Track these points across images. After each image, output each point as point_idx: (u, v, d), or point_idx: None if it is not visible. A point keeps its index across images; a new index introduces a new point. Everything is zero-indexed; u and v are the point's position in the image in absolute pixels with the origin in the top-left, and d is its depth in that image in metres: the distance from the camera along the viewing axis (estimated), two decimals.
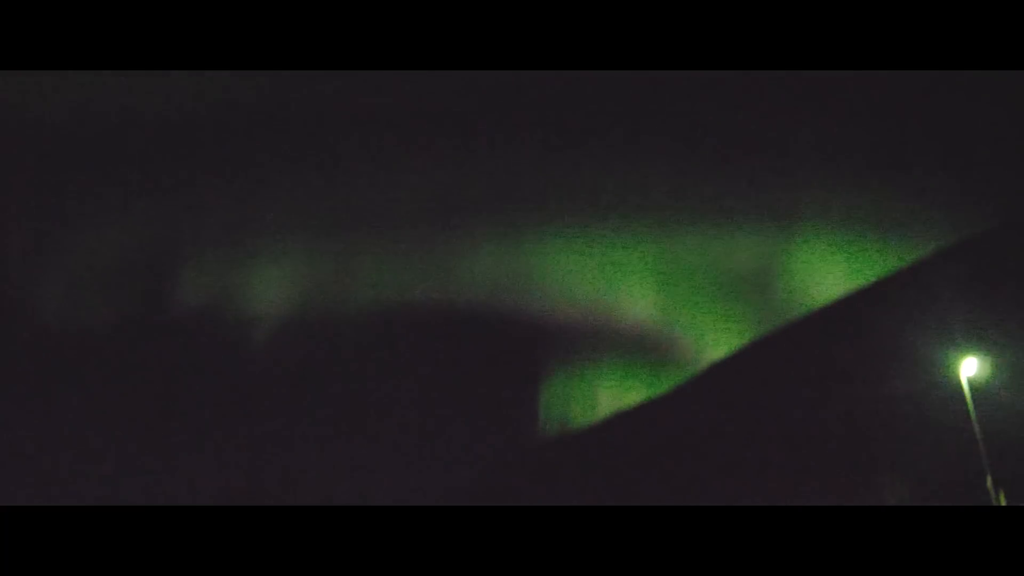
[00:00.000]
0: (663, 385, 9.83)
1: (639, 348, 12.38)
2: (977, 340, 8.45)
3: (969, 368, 7.80)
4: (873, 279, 10.10)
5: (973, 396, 7.73)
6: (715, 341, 11.18)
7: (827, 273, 10.53)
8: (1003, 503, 6.87)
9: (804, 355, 8.83)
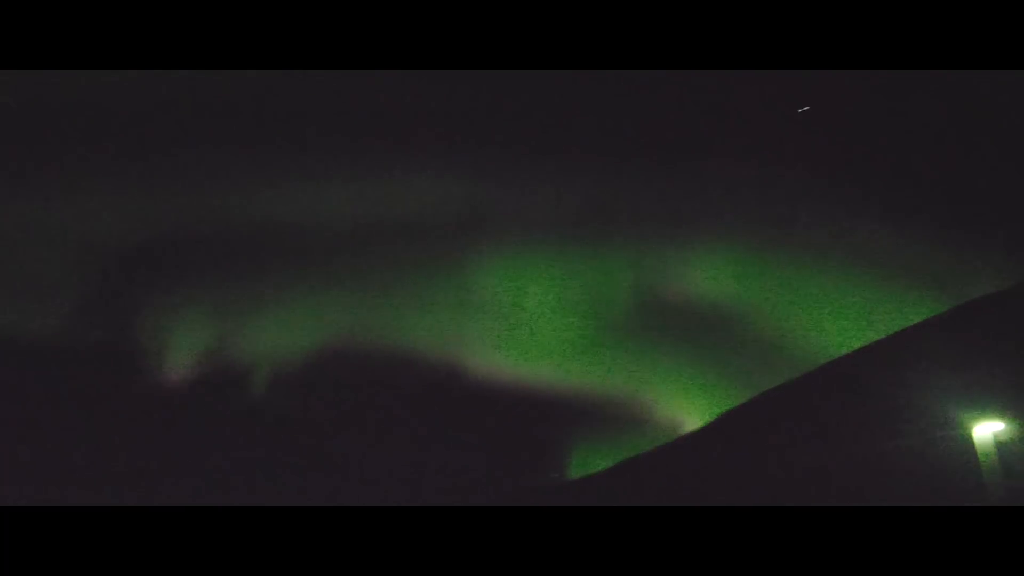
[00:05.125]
0: (637, 448, 9.28)
1: (605, 408, 11.32)
2: (994, 401, 8.16)
3: (984, 430, 7.55)
4: (886, 333, 9.71)
5: (987, 459, 7.41)
6: (699, 399, 10.46)
7: (836, 324, 10.10)
8: None
9: (805, 417, 8.49)
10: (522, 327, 11.77)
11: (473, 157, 10.61)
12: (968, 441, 7.81)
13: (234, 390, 7.72)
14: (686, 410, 10.13)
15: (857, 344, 9.59)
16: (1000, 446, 8.17)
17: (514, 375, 10.98)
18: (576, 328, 11.40)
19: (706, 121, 11.61)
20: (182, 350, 8.08)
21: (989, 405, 8.32)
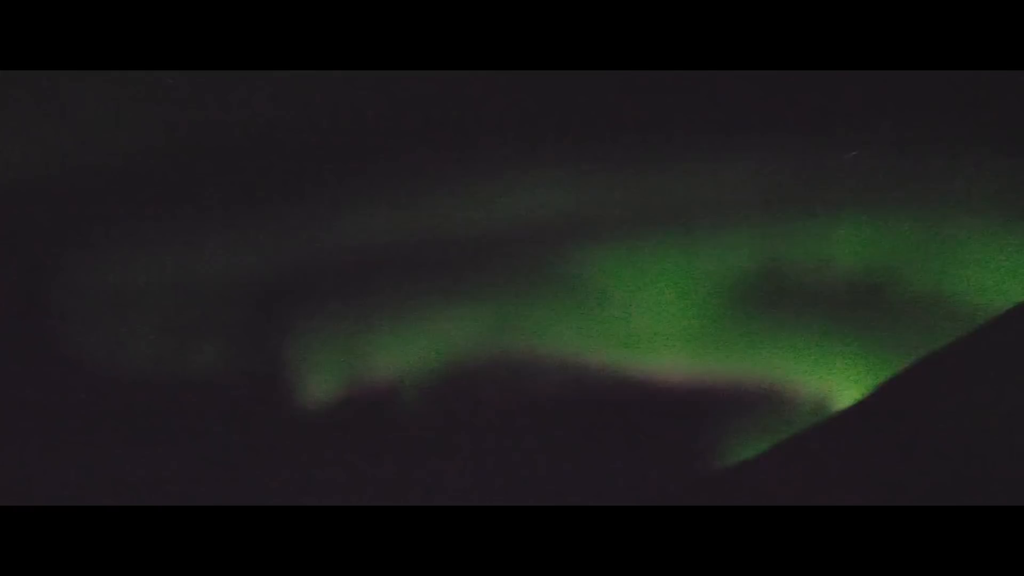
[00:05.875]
0: (788, 429, 8.88)
1: (744, 391, 10.90)
2: None
3: None
4: None
5: None
6: (848, 371, 9.91)
7: (995, 279, 9.46)
8: None
9: (973, 381, 7.96)
10: (645, 319, 11.59)
11: (577, 148, 10.59)
12: None
13: (381, 407, 7.96)
14: (834, 385, 9.72)
15: (1020, 297, 9.03)
16: None
17: (643, 368, 10.84)
18: (700, 314, 11.15)
19: (819, 88, 11.21)
20: (327, 374, 8.35)
21: None
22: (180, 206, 9.55)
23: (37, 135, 9.32)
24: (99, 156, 9.61)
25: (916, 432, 7.98)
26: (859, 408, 8.83)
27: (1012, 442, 7.41)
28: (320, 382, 9.25)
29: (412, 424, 8.55)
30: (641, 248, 12.04)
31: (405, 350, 10.05)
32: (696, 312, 11.91)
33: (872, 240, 11.33)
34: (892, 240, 11.01)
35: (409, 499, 7.68)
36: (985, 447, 7.60)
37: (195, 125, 9.68)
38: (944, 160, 10.76)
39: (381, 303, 10.57)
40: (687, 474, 10.39)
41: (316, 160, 10.02)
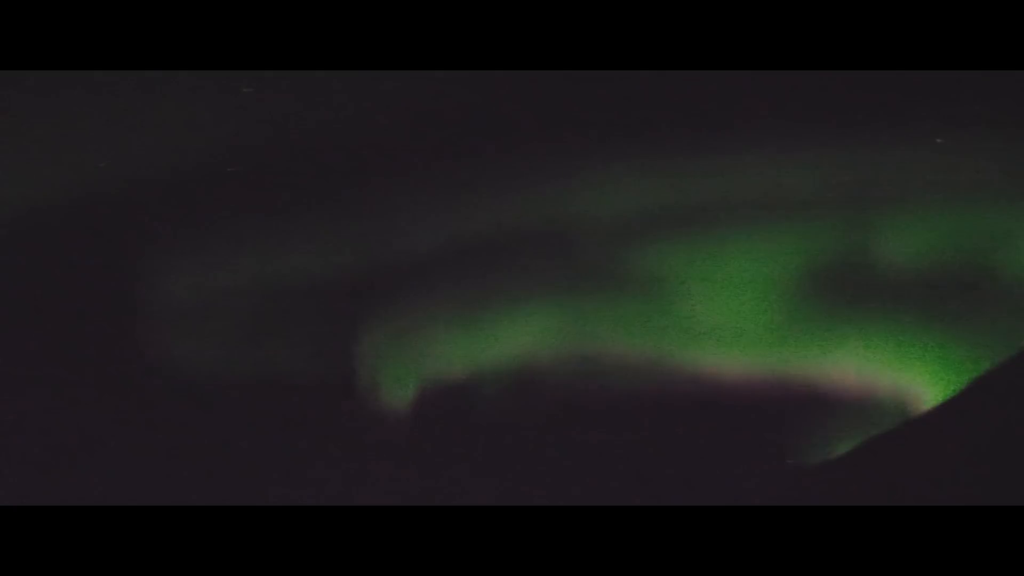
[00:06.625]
0: (873, 427, 8.62)
1: (824, 388, 10.57)
2: None
3: None
4: None
5: None
6: (934, 368, 9.54)
7: None
8: None
9: None
10: (721, 316, 11.53)
11: (648, 143, 10.63)
12: None
13: (455, 408, 8.15)
14: (921, 382, 9.45)
15: None
16: None
17: (720, 366, 10.79)
18: (780, 309, 11.02)
19: (903, 79, 10.98)
20: (400, 375, 8.60)
21: None
22: (257, 209, 9.93)
23: (116, 142, 9.80)
24: (180, 160, 10.06)
25: (1007, 433, 7.70)
26: (947, 407, 8.53)
27: None
28: (393, 383, 9.49)
29: (485, 425, 8.71)
30: (716, 242, 11.95)
31: (478, 351, 10.22)
32: (776, 307, 11.75)
33: (959, 231, 10.98)
34: (981, 230, 10.63)
35: (483, 500, 7.79)
36: None
37: (270, 128, 10.04)
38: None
39: (454, 304, 10.78)
40: (765, 475, 10.26)
41: (390, 161, 10.28)
